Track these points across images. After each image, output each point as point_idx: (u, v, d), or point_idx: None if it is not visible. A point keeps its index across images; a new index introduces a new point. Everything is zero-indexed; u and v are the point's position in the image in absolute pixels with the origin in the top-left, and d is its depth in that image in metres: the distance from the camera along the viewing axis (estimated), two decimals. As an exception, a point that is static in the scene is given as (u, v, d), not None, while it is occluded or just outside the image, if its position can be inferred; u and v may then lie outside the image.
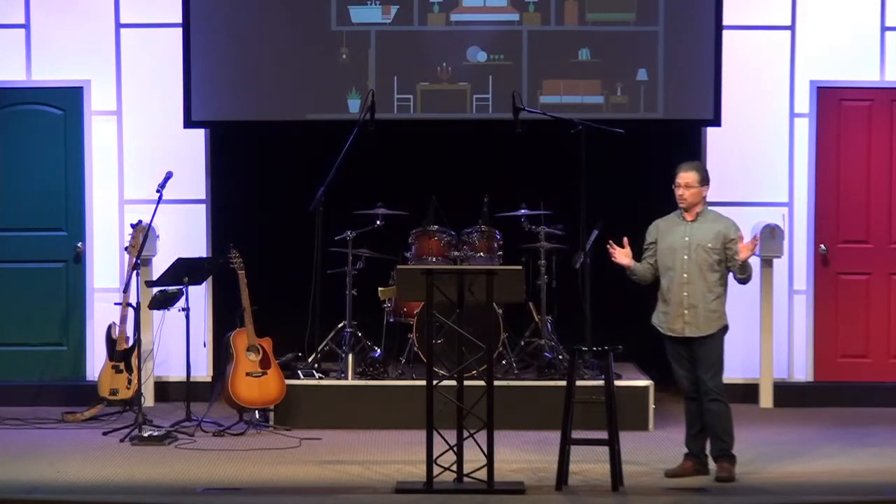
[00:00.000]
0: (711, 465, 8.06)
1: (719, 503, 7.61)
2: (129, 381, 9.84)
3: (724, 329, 8.09)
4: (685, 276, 8.02)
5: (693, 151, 10.83)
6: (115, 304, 10.07)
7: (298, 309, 9.95)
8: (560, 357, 9.89)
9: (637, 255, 8.37)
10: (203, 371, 10.66)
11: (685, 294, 8.01)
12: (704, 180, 8.15)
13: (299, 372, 9.87)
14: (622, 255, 8.24)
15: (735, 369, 10.49)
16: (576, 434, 7.87)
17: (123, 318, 9.92)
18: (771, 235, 10.37)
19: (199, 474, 8.20)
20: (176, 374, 10.49)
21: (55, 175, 10.78)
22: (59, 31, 10.72)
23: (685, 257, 8.03)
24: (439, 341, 9.14)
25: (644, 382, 9.79)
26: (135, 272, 9.74)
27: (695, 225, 8.08)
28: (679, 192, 8.13)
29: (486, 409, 7.71)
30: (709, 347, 8.00)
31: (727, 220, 8.15)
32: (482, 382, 7.90)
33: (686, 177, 8.12)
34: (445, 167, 10.78)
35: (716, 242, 8.01)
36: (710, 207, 8.23)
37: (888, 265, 10.85)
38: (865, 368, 10.85)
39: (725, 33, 10.56)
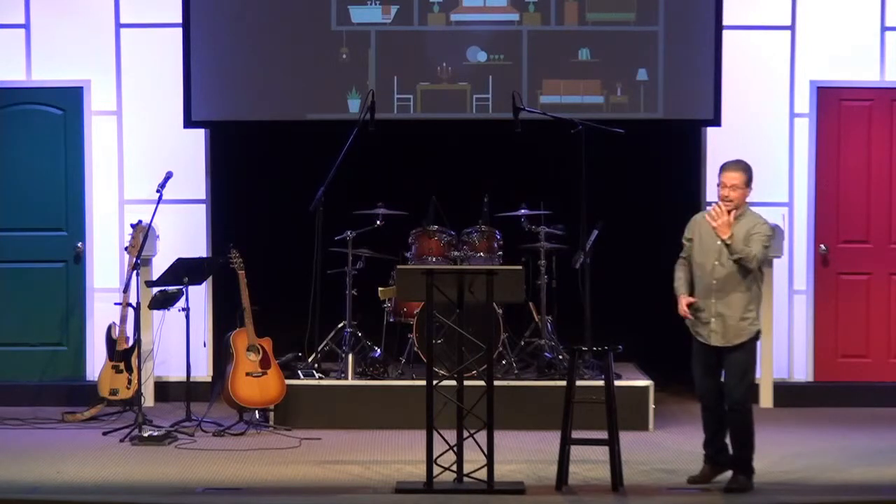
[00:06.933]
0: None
1: (719, 503, 7.61)
2: (129, 381, 9.84)
3: (756, 336, 7.77)
4: (714, 282, 7.72)
5: (693, 151, 10.84)
6: (115, 304, 10.07)
7: (298, 309, 9.95)
8: (560, 357, 9.89)
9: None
10: (203, 371, 10.66)
11: (713, 301, 7.72)
12: (750, 181, 7.76)
13: (299, 372, 9.87)
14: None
15: (735, 369, 10.49)
16: (576, 434, 7.86)
17: (123, 318, 9.92)
18: (774, 236, 10.34)
19: (199, 474, 8.20)
20: (176, 374, 10.49)
21: (55, 175, 10.77)
22: (59, 31, 10.72)
23: (716, 262, 7.71)
24: (439, 341, 9.14)
25: (644, 382, 9.79)
26: (135, 272, 9.74)
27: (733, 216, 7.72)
28: (724, 192, 7.72)
29: (486, 409, 7.71)
30: (737, 356, 7.70)
31: (761, 218, 7.78)
32: (482, 382, 7.90)
33: (733, 177, 7.72)
34: (445, 167, 10.79)
35: (745, 243, 7.67)
36: (751, 208, 7.87)
37: (888, 265, 10.85)
38: (865, 368, 10.85)
39: (725, 33, 10.56)
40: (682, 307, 7.85)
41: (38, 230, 10.79)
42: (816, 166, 10.81)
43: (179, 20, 10.57)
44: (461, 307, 7.90)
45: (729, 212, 7.74)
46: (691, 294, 7.86)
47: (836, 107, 10.80)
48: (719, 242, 7.73)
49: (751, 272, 7.71)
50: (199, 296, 10.52)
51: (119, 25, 10.75)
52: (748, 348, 7.76)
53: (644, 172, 10.87)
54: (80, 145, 10.79)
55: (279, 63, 10.55)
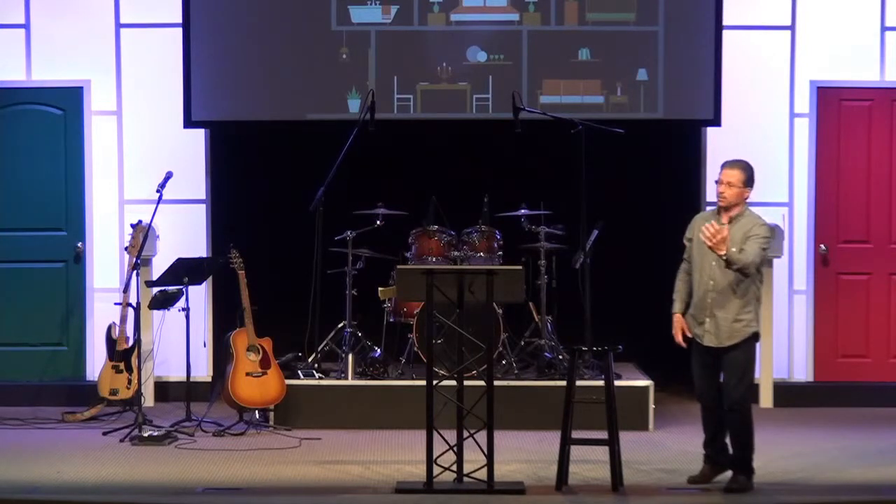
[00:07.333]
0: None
1: (719, 503, 7.61)
2: (129, 381, 9.84)
3: (753, 337, 7.73)
4: (711, 282, 7.69)
5: (693, 151, 10.84)
6: (115, 304, 10.07)
7: (298, 309, 9.95)
8: (560, 357, 9.89)
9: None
10: (203, 371, 10.66)
11: (709, 301, 7.70)
12: (749, 181, 7.71)
13: (299, 372, 9.87)
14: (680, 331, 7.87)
15: (735, 369, 10.48)
16: (576, 434, 7.86)
17: (123, 318, 9.92)
18: (772, 237, 10.34)
19: (199, 474, 8.20)
20: (176, 374, 10.49)
21: (55, 175, 10.77)
22: (59, 31, 10.72)
23: (713, 262, 7.66)
24: (439, 341, 9.14)
25: (644, 382, 9.79)
26: (135, 272, 9.74)
27: (728, 227, 7.63)
28: (720, 188, 7.70)
29: (486, 409, 7.71)
30: (733, 356, 7.68)
31: (760, 219, 7.73)
32: (482, 382, 7.90)
33: (729, 174, 7.70)
34: (445, 167, 10.79)
35: (742, 244, 7.62)
36: (750, 209, 7.81)
37: (888, 265, 10.85)
38: (865, 368, 10.85)
39: (725, 33, 10.56)
40: (676, 331, 7.87)
41: (38, 230, 10.79)
42: (816, 166, 10.81)
43: (179, 20, 10.57)
44: (461, 307, 7.90)
45: (727, 211, 7.74)
46: (688, 305, 7.86)
47: (836, 107, 10.80)
48: None
49: (749, 275, 7.70)
50: (199, 296, 10.52)
51: (119, 25, 10.75)
52: (746, 348, 7.74)
53: (644, 173, 10.87)
54: (80, 145, 10.79)
55: (279, 63, 10.55)
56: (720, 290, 7.70)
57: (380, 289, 10.04)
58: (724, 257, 7.56)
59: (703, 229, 7.60)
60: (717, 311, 7.70)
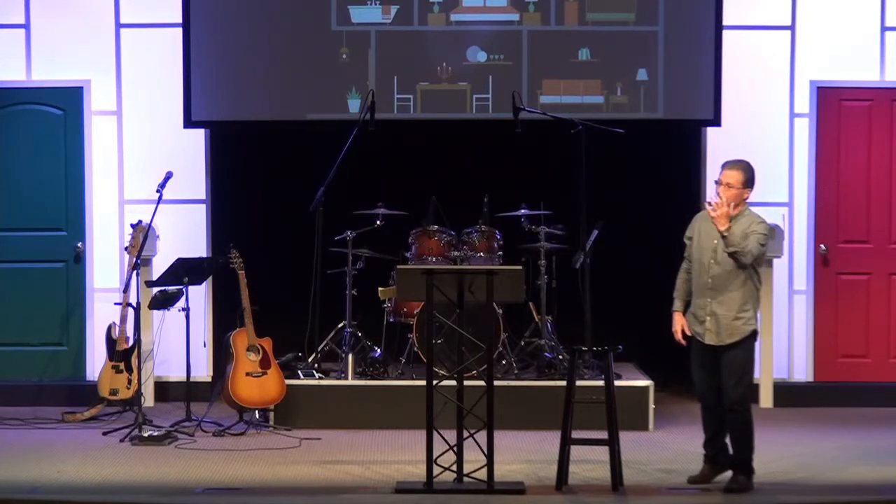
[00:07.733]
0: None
1: (719, 503, 7.61)
2: (129, 381, 9.84)
3: (752, 335, 7.74)
4: (709, 280, 7.70)
5: (693, 151, 10.84)
6: (115, 304, 10.07)
7: (298, 309, 9.95)
8: (560, 357, 9.89)
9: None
10: (203, 371, 10.66)
11: (708, 299, 7.71)
12: (748, 182, 7.70)
13: (299, 372, 9.87)
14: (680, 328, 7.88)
15: (735, 369, 10.48)
16: (576, 434, 7.86)
17: (123, 318, 9.92)
18: (771, 235, 10.35)
19: (199, 474, 8.21)
20: (176, 374, 10.49)
21: (55, 175, 10.77)
22: (59, 31, 10.72)
23: (711, 261, 7.69)
24: (439, 341, 9.14)
25: (644, 382, 9.79)
26: (135, 272, 9.74)
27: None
28: (719, 189, 7.70)
29: (486, 409, 7.71)
30: (733, 355, 7.68)
31: (759, 217, 7.73)
32: (482, 382, 7.90)
33: (729, 175, 7.68)
34: (445, 167, 10.79)
35: (743, 239, 7.63)
36: (751, 208, 7.80)
37: (888, 265, 10.85)
38: (865, 368, 10.85)
39: (725, 33, 10.56)
40: (676, 329, 7.88)
41: (38, 230, 10.79)
42: (816, 166, 10.81)
43: (179, 20, 10.57)
44: (461, 307, 7.90)
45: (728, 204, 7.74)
46: (688, 304, 7.87)
47: (836, 107, 10.80)
48: (716, 241, 7.71)
49: (746, 269, 7.70)
50: (199, 296, 10.52)
51: (119, 25, 10.75)
52: (745, 347, 7.74)
53: (644, 172, 10.87)
54: (80, 145, 10.79)
55: (279, 63, 10.56)
56: (719, 286, 7.71)
57: (380, 289, 10.04)
58: (724, 234, 7.59)
59: (709, 201, 7.64)
60: (718, 309, 7.71)
